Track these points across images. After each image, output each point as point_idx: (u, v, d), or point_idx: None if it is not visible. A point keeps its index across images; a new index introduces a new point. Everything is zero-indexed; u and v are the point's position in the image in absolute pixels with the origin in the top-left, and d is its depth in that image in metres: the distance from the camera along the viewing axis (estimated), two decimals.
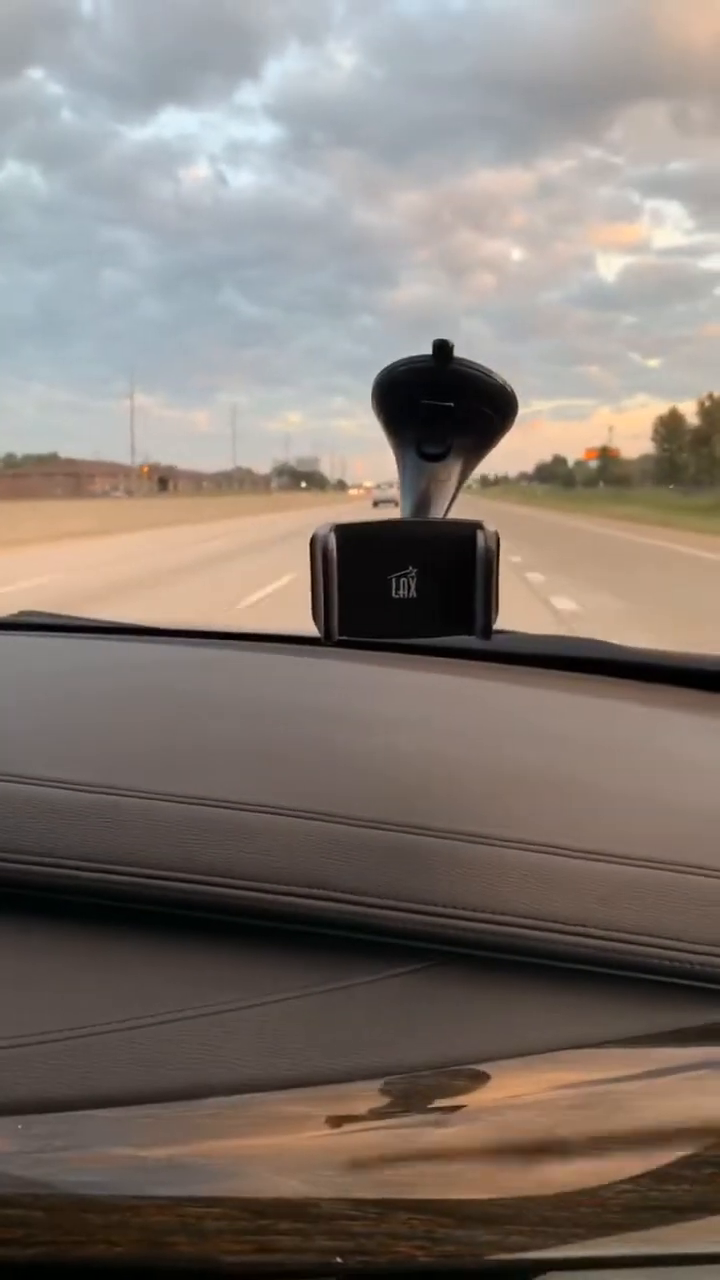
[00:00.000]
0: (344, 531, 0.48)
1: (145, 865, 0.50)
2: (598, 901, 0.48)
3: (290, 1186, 0.36)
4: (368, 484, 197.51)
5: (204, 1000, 0.44)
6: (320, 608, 0.48)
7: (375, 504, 50.85)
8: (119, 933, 0.49)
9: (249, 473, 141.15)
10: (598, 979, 0.47)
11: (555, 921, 0.47)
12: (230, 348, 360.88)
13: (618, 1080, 0.44)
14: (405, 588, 0.49)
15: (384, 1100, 0.43)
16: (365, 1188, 0.37)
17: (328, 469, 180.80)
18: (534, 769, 0.61)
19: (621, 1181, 0.37)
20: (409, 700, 0.77)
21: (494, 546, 0.48)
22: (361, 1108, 0.43)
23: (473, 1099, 0.44)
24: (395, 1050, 0.44)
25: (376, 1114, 0.43)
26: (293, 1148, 0.39)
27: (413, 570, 0.49)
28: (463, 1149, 0.40)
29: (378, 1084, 0.43)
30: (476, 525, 0.48)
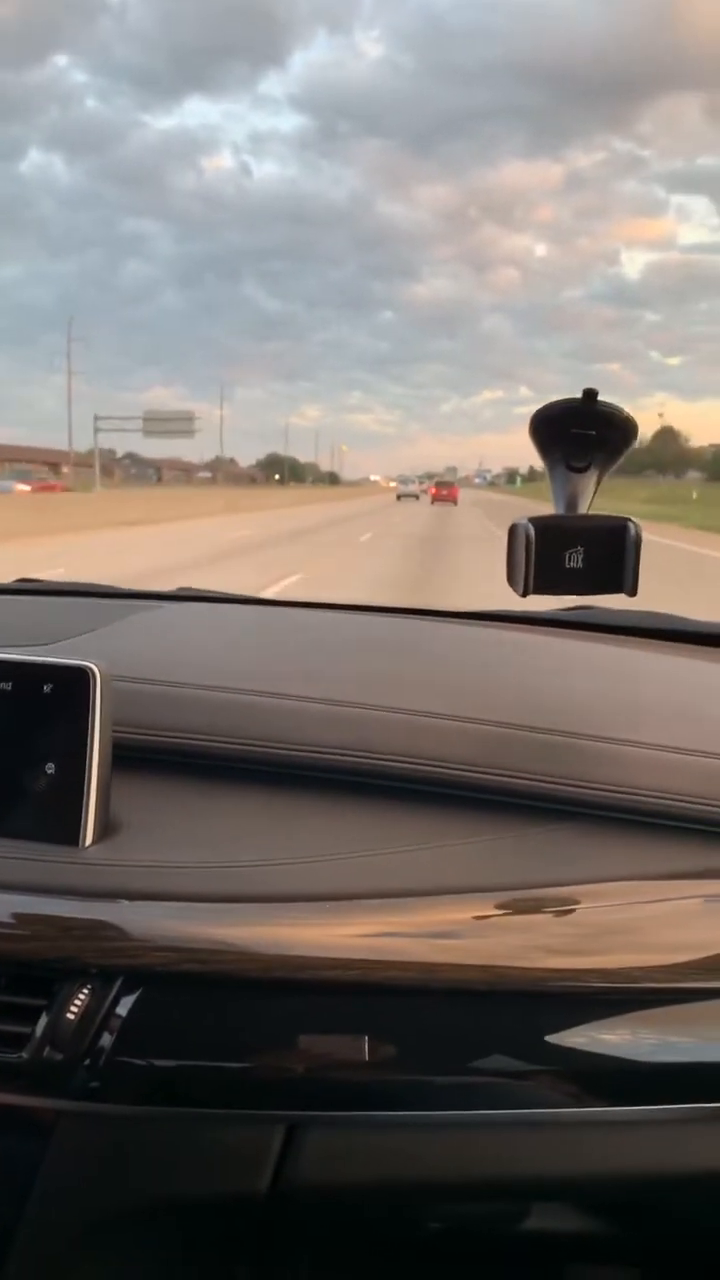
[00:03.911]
0: (537, 522, 0.71)
1: (351, 749, 0.73)
2: (677, 777, 0.70)
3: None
4: (375, 477, 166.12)
5: (391, 845, 0.67)
6: (519, 573, 0.71)
7: (399, 498, 57.86)
8: (353, 801, 0.71)
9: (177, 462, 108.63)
10: (677, 832, 0.68)
11: (642, 789, 0.69)
12: (250, 341, 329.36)
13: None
14: (574, 560, 0.71)
15: (500, 903, 0.63)
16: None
17: (315, 457, 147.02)
18: (628, 701, 0.87)
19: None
20: (532, 652, 1.03)
21: (639, 534, 0.71)
22: (487, 908, 0.63)
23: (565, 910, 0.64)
24: (510, 877, 0.65)
25: (497, 914, 0.63)
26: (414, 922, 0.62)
27: (580, 549, 0.72)
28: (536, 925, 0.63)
29: (499, 896, 0.64)
30: (627, 520, 0.72)
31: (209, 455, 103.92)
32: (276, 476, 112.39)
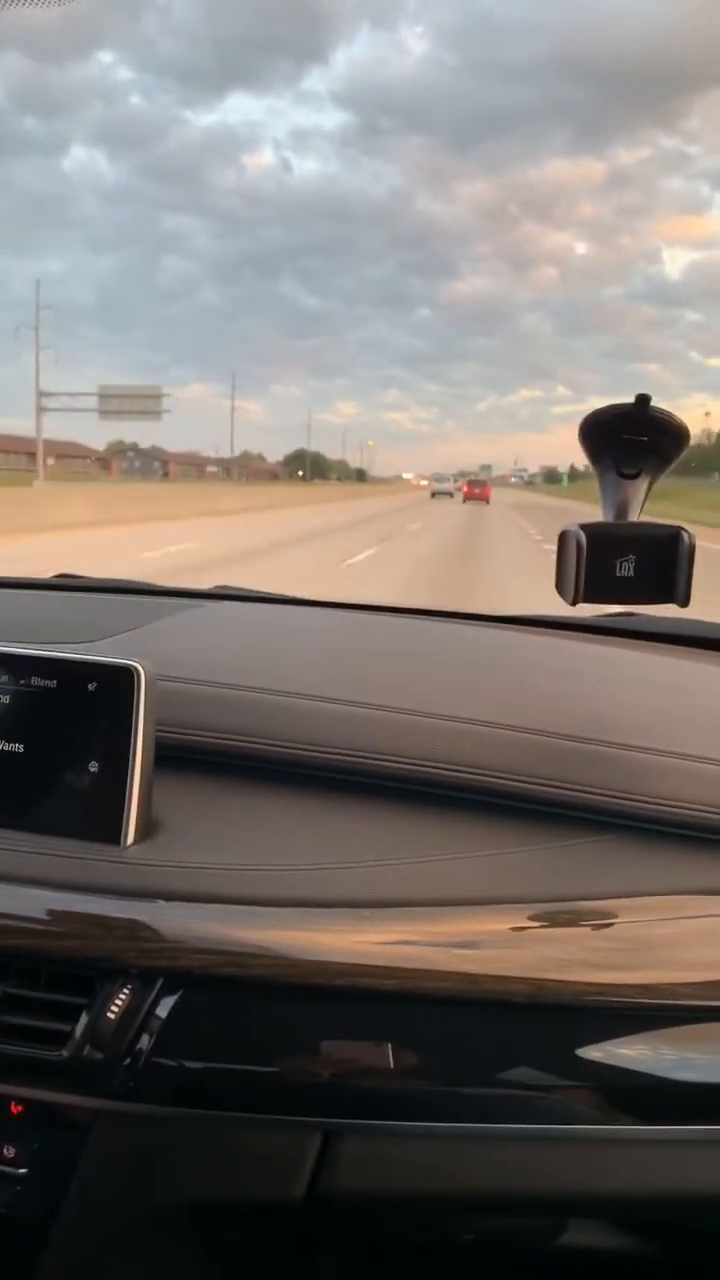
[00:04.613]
0: (589, 529, 0.69)
1: (394, 754, 0.72)
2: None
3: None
4: (407, 475, 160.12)
5: (431, 853, 0.66)
6: (569, 581, 0.69)
7: (433, 495, 59.75)
8: (395, 806, 0.71)
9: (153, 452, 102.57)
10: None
11: (685, 802, 0.69)
12: (287, 338, 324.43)
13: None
14: (625, 568, 0.69)
15: (528, 915, 0.63)
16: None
17: (341, 453, 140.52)
18: (672, 711, 0.85)
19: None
20: (576, 659, 1.02)
21: (693, 543, 0.69)
22: (522, 919, 0.63)
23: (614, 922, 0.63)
24: (557, 889, 0.64)
25: (533, 925, 0.63)
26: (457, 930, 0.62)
27: (631, 557, 0.70)
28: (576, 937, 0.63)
29: (536, 908, 0.63)
30: (680, 528, 0.69)
31: (238, 450, 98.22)
32: (300, 473, 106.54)
